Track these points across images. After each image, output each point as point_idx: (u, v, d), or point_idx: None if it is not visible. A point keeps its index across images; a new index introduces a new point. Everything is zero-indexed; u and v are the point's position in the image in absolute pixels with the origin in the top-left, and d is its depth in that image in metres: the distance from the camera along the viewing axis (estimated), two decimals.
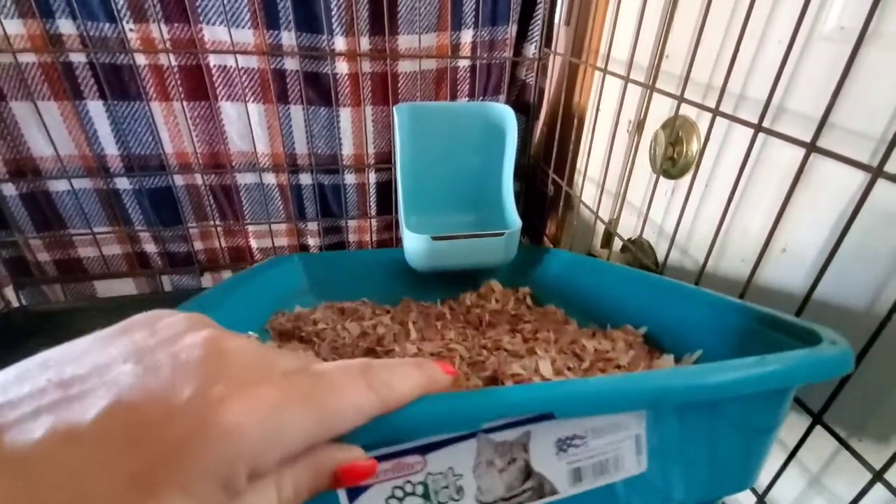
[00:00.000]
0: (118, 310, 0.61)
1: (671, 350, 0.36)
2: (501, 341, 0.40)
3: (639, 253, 0.49)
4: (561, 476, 0.20)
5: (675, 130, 0.44)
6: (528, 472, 0.19)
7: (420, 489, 0.19)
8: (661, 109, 0.47)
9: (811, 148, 0.28)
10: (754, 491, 0.35)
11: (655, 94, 0.42)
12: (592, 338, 0.39)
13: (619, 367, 0.34)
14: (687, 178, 0.44)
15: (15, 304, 0.61)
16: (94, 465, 0.12)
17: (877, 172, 0.24)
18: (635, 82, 0.44)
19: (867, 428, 0.29)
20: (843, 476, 0.31)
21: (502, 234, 0.48)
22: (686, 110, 0.43)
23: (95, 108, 0.53)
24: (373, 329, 0.44)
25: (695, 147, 0.43)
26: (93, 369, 0.14)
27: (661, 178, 0.46)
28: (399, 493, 0.18)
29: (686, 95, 0.38)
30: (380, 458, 0.18)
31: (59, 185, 0.56)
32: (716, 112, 0.34)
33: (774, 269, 0.36)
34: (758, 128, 0.31)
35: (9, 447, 0.12)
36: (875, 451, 0.27)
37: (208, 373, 0.14)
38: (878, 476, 0.25)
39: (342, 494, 0.18)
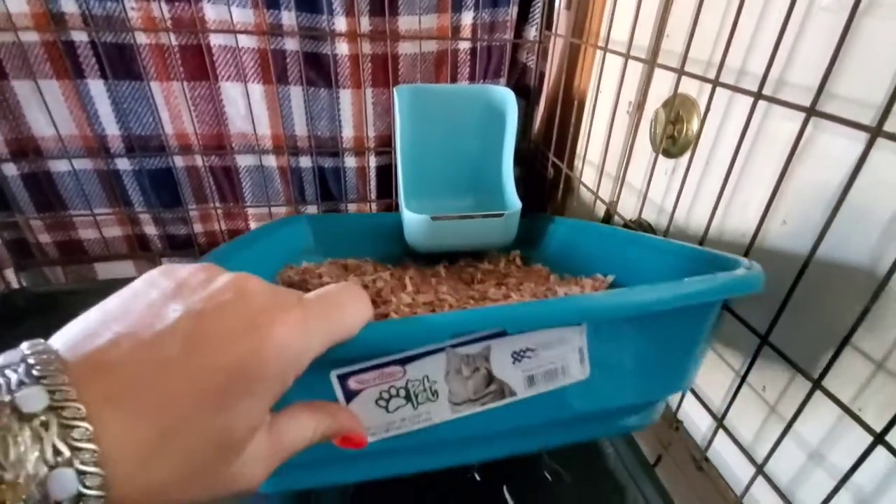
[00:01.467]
0: (116, 291, 0.61)
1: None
2: (487, 292, 0.45)
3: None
4: (518, 381, 0.24)
5: (675, 108, 0.44)
6: (490, 379, 0.24)
7: (402, 392, 0.23)
8: (661, 89, 0.47)
9: (811, 112, 0.27)
10: (753, 461, 0.35)
11: (655, 74, 0.42)
12: (565, 284, 0.43)
13: None
14: (687, 156, 0.44)
15: (15, 285, 0.62)
16: (181, 385, 0.15)
17: (876, 132, 0.24)
18: (636, 59, 0.43)
19: (867, 394, 0.29)
20: (843, 443, 0.31)
21: (502, 216, 0.48)
22: (686, 87, 0.43)
23: (96, 88, 0.53)
24: (373, 283, 0.48)
25: (695, 125, 0.43)
26: (148, 314, 0.16)
27: (661, 158, 0.46)
28: (385, 396, 0.23)
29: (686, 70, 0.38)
30: (368, 369, 0.22)
31: (59, 166, 0.56)
32: (716, 83, 0.34)
33: (775, 242, 0.35)
34: (757, 95, 0.31)
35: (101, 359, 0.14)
36: (876, 415, 0.27)
37: (246, 307, 0.17)
38: (879, 438, 0.25)
39: (340, 395, 0.22)
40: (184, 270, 0.18)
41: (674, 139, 0.45)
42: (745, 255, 0.34)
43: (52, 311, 0.60)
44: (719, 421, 0.37)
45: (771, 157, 0.36)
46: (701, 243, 0.38)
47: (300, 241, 0.55)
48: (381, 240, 0.58)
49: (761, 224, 0.32)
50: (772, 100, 0.30)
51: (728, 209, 0.40)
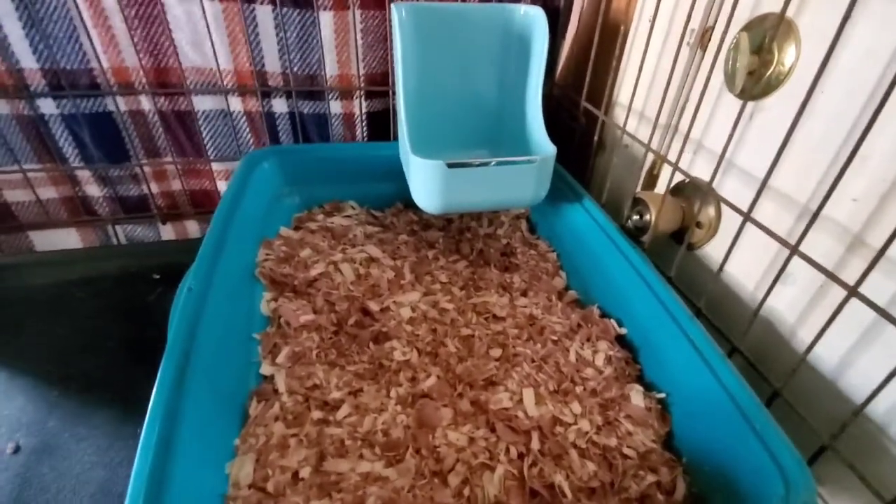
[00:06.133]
0: (62, 266, 0.50)
1: (642, 362, 0.37)
2: (489, 303, 0.41)
3: (699, 194, 0.40)
4: None
5: (764, 33, 0.33)
6: None
7: None
8: (740, 9, 0.36)
9: None
10: None
11: None
12: (576, 332, 0.38)
13: (594, 392, 0.34)
14: (773, 97, 0.34)
15: None
16: None
17: None
18: None
19: None
20: None
21: (533, 162, 0.38)
22: (775, 5, 0.33)
23: (2, 6, 0.41)
24: (366, 270, 0.43)
25: (790, 55, 0.33)
26: None
27: (735, 100, 0.36)
28: None
29: None
30: None
31: None
32: None
33: None
34: None
35: None
36: None
37: None
38: None
39: None
40: None
41: (757, 75, 0.35)
42: (893, 237, 0.25)
43: None
44: None
45: None
46: (816, 214, 0.28)
47: (272, 184, 0.47)
48: (368, 176, 0.50)
49: None
50: None
51: (832, 167, 0.31)
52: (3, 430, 0.37)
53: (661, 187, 0.46)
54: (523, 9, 0.44)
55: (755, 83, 0.35)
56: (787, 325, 0.34)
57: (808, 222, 0.28)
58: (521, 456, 0.30)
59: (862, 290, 0.27)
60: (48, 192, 0.51)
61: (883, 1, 0.27)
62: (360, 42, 0.48)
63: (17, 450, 0.36)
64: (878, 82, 0.28)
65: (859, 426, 0.29)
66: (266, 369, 0.34)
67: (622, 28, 0.44)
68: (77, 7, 0.42)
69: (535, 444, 0.30)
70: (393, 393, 0.33)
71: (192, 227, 0.56)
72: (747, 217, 0.32)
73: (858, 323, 0.29)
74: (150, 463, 0.23)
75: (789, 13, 0.33)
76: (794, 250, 0.28)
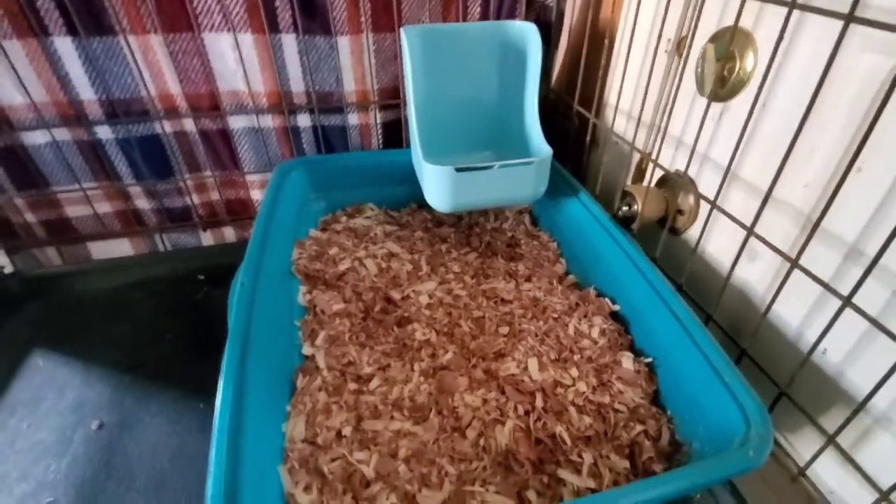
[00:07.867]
0: (118, 271, 0.57)
1: (633, 333, 0.42)
2: (497, 289, 0.46)
3: (679, 185, 0.45)
4: None
5: (727, 43, 0.38)
6: None
7: None
8: (707, 22, 0.41)
9: None
10: None
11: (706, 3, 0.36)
12: (574, 310, 0.43)
13: (590, 359, 0.39)
14: (738, 99, 0.39)
15: (9, 269, 0.58)
16: None
17: None
18: None
19: None
20: None
21: (531, 163, 0.43)
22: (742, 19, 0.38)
23: (64, 46, 0.47)
24: (387, 264, 0.48)
25: (750, 62, 0.38)
26: None
27: (705, 102, 0.41)
28: None
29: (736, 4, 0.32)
30: None
31: (35, 138, 0.51)
32: (793, 5, 0.29)
33: (847, 193, 0.32)
34: (849, 18, 0.26)
35: None
36: None
37: None
38: None
39: None
40: None
41: (723, 79, 0.40)
42: (825, 209, 0.30)
43: (49, 295, 0.57)
44: None
45: (843, 96, 0.32)
46: (767, 197, 0.33)
47: (300, 191, 0.53)
48: (385, 181, 0.56)
49: (845, 175, 0.28)
50: (868, 22, 0.25)
51: (788, 159, 0.36)
52: (87, 410, 0.44)
53: (649, 179, 0.51)
54: (518, 24, 0.49)
55: (721, 87, 0.40)
56: (758, 295, 0.39)
57: (760, 205, 0.33)
58: (527, 413, 0.35)
59: (808, 262, 0.32)
60: (104, 207, 0.57)
61: (817, 22, 0.32)
62: (373, 61, 0.53)
63: (101, 426, 0.43)
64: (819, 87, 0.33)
65: (816, 379, 0.34)
66: (307, 350, 0.40)
67: (607, 38, 0.49)
68: (129, 44, 0.48)
69: (539, 403, 0.35)
70: (416, 367, 0.38)
71: (228, 233, 0.63)
72: (714, 205, 0.37)
73: (811, 291, 0.34)
74: (227, 424, 0.28)
75: (748, 26, 0.38)
76: (751, 231, 0.34)
